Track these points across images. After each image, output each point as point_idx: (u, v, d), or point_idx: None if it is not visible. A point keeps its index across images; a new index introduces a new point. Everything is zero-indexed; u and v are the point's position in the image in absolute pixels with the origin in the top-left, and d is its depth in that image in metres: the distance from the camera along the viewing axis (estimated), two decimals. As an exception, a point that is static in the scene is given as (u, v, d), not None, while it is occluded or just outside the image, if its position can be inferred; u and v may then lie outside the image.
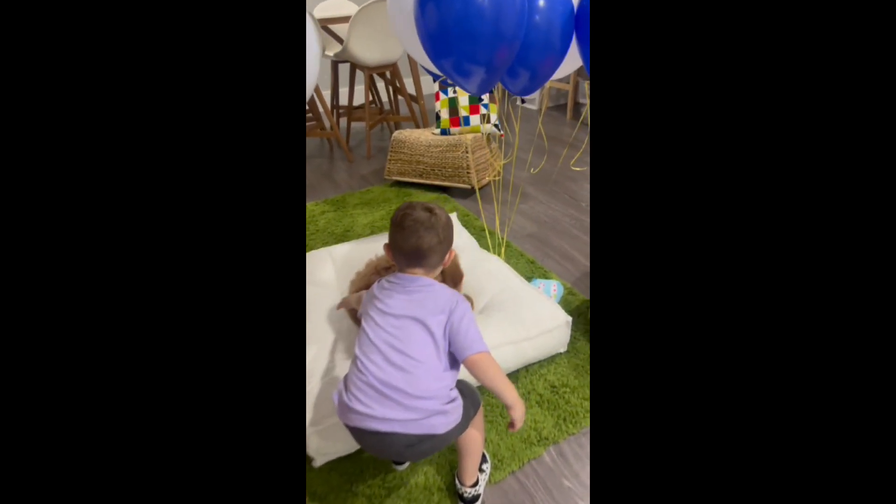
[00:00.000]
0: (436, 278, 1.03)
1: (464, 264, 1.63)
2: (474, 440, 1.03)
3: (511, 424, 0.94)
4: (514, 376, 1.38)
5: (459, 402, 0.94)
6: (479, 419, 1.03)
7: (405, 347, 0.90)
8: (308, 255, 1.70)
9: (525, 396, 1.33)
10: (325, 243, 2.08)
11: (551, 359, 1.44)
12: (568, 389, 1.34)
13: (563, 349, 1.45)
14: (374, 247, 1.69)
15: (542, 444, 1.20)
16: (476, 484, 1.08)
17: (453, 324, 0.91)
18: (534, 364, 1.42)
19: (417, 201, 1.00)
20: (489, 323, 1.36)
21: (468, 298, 1.50)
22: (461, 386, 0.99)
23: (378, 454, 1.04)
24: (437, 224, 0.95)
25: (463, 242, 1.78)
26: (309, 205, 2.44)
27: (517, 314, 1.38)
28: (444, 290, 0.97)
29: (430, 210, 0.97)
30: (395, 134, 2.52)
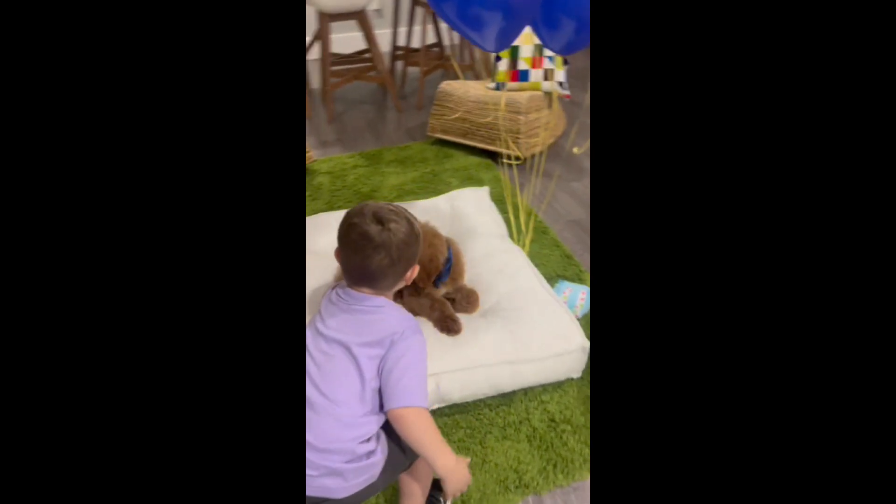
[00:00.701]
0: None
1: (477, 253, 1.39)
2: (411, 490, 0.85)
3: (442, 495, 0.74)
4: (508, 397, 1.17)
5: (376, 459, 0.74)
6: (419, 469, 0.84)
7: (323, 383, 0.72)
8: (310, 219, 1.55)
9: (514, 426, 1.12)
10: (349, 202, 1.93)
11: (559, 383, 1.20)
12: (569, 428, 1.10)
13: (576, 375, 1.20)
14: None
15: (519, 492, 1.00)
16: None
17: (387, 362, 0.71)
18: (535, 387, 1.19)
19: (372, 204, 0.78)
20: (487, 331, 1.14)
21: (472, 292, 1.27)
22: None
23: None
24: (390, 242, 0.74)
25: (485, 225, 1.53)
26: (343, 156, 2.28)
27: (523, 328, 1.15)
28: (394, 316, 0.77)
29: (382, 222, 0.74)
30: (442, 85, 2.24)
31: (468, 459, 0.75)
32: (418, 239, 0.80)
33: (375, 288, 0.78)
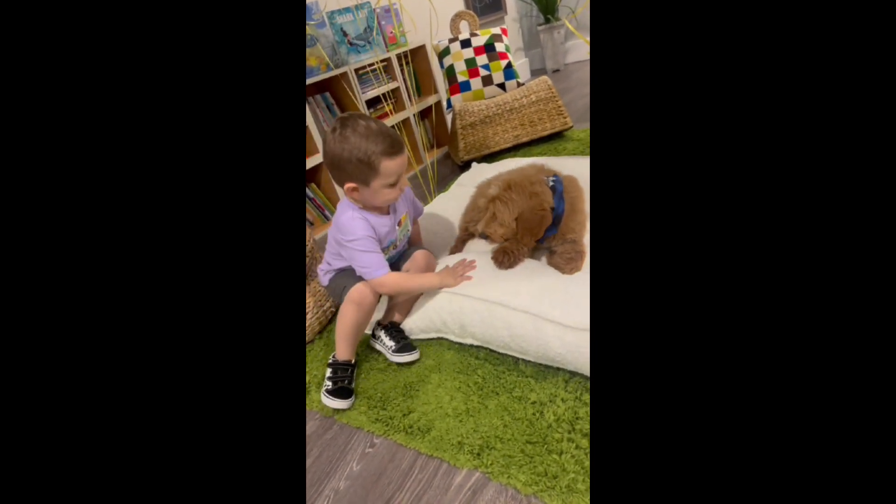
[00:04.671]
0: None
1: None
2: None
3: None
4: (542, 373, 0.91)
5: (325, 277, 1.12)
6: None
7: None
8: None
9: (523, 401, 0.87)
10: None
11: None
12: (586, 445, 0.78)
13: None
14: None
15: (471, 463, 0.80)
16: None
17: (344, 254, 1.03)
18: (571, 375, 0.88)
19: (357, 114, 0.92)
20: (537, 277, 0.95)
21: (577, 251, 1.03)
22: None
23: None
24: (325, 145, 0.92)
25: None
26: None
27: (577, 289, 0.87)
28: (339, 216, 0.98)
29: (333, 127, 0.91)
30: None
31: (448, 279, 1.02)
32: (341, 161, 0.89)
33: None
